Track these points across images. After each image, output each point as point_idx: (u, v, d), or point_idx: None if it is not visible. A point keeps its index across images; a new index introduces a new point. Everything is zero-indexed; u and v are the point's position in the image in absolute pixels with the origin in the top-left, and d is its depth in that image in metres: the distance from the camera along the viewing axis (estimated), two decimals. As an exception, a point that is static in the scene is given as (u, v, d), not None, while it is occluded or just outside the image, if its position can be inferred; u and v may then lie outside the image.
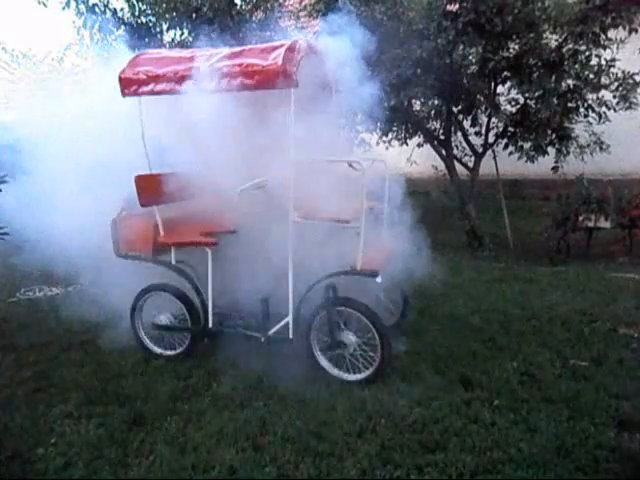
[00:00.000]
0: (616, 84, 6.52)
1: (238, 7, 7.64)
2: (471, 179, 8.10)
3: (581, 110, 6.87)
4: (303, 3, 7.90)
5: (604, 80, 6.51)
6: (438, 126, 8.52)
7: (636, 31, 6.21)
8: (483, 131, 7.88)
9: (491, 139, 7.78)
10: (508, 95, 7.43)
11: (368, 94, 3.54)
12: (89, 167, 3.83)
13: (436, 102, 7.46)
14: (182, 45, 7.67)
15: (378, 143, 8.78)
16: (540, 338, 4.06)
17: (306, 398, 3.20)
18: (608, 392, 3.18)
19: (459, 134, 8.38)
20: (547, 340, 4.02)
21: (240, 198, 3.39)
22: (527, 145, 7.11)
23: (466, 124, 8.10)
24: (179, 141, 3.59)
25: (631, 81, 6.45)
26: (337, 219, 3.32)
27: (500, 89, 7.42)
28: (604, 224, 6.62)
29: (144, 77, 3.49)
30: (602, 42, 6.38)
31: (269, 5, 7.46)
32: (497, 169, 7.99)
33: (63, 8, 7.63)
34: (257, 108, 3.52)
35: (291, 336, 3.51)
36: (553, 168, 7.25)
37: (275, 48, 3.16)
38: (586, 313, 4.57)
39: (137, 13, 7.88)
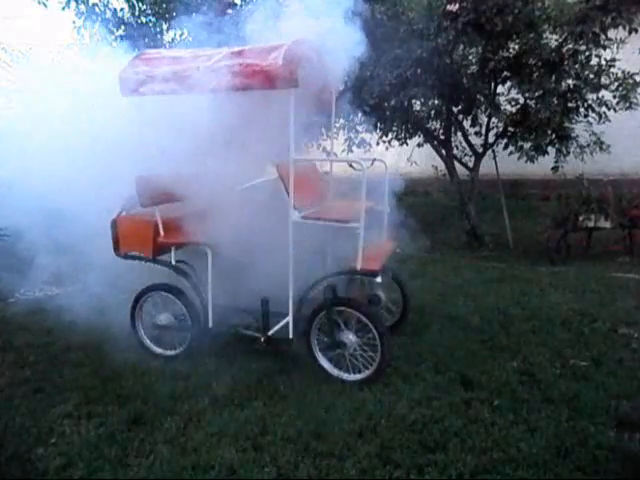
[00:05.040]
0: (616, 84, 6.53)
1: (238, 7, 7.65)
2: (471, 179, 8.11)
3: (581, 110, 6.87)
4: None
5: (604, 80, 6.52)
6: (438, 126, 8.53)
7: (636, 31, 6.22)
8: (483, 131, 7.89)
9: (491, 139, 7.79)
10: (508, 95, 7.44)
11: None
12: (89, 168, 3.83)
13: (436, 102, 7.46)
14: (182, 45, 7.67)
15: (378, 143, 8.79)
16: (540, 338, 4.06)
17: (306, 398, 3.20)
18: (608, 392, 3.18)
19: (459, 134, 8.39)
20: (547, 340, 4.02)
21: (239, 198, 3.40)
22: (527, 145, 7.12)
23: (466, 124, 8.11)
24: (178, 141, 3.59)
25: (631, 81, 6.46)
26: (337, 219, 3.32)
27: (500, 89, 7.43)
28: (604, 224, 6.62)
29: (144, 77, 3.48)
30: (602, 42, 6.38)
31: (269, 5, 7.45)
32: (497, 169, 8.00)
33: (63, 8, 7.64)
34: (255, 108, 3.52)
35: (291, 336, 3.51)
36: (553, 168, 7.25)
37: (275, 48, 3.16)
38: (586, 313, 4.57)
39: (137, 13, 7.89)
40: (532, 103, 6.88)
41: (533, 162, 7.04)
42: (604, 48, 6.47)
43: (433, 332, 4.20)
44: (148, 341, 3.94)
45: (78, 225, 3.91)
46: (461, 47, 6.92)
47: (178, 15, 6.98)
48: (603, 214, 6.58)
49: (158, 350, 3.90)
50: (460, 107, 7.66)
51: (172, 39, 8.06)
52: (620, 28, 6.26)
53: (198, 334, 3.76)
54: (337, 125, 8.01)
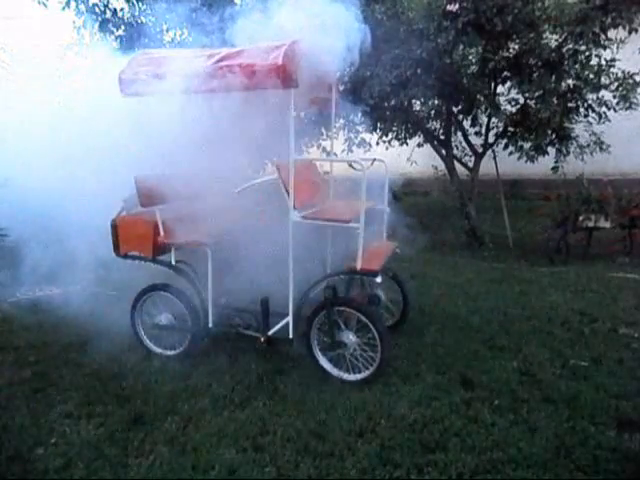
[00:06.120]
0: (616, 84, 6.52)
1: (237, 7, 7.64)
2: (471, 179, 8.11)
3: (581, 110, 6.87)
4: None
5: (604, 80, 6.51)
6: (438, 126, 8.53)
7: (636, 31, 6.21)
8: (483, 131, 7.89)
9: (491, 139, 7.79)
10: (508, 95, 7.44)
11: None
12: (89, 167, 3.84)
13: (436, 102, 7.46)
14: (182, 45, 7.67)
15: (378, 143, 8.79)
16: (540, 338, 4.06)
17: (306, 398, 3.21)
18: (608, 392, 3.19)
19: (459, 134, 8.38)
20: (547, 340, 4.02)
21: (238, 198, 3.40)
22: (527, 145, 7.12)
23: (466, 124, 8.11)
24: (178, 141, 3.59)
25: (631, 81, 6.45)
26: (337, 219, 3.32)
27: (500, 89, 7.43)
28: (604, 224, 6.61)
29: (144, 77, 3.48)
30: (602, 42, 6.38)
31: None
32: (497, 169, 8.00)
33: (63, 8, 7.63)
34: (254, 108, 3.52)
35: (291, 336, 3.51)
36: (553, 168, 7.25)
37: (275, 48, 3.16)
38: (586, 313, 4.57)
39: (137, 13, 7.87)
40: (532, 103, 6.87)
41: (533, 162, 7.04)
42: (604, 48, 6.46)
43: (433, 332, 4.20)
44: (148, 341, 3.94)
45: (78, 225, 3.92)
46: (461, 47, 6.91)
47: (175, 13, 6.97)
48: (603, 214, 6.57)
49: (158, 350, 3.91)
50: (460, 107, 7.66)
51: (172, 39, 8.04)
52: (620, 28, 6.25)
53: (198, 334, 3.76)
54: (337, 125, 8.01)
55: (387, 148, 8.81)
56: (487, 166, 7.95)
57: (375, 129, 8.40)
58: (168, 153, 3.64)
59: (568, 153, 7.21)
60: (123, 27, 7.83)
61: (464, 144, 8.56)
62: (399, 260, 3.76)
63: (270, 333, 3.56)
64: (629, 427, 2.82)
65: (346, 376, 3.42)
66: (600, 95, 6.74)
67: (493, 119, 7.60)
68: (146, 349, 3.91)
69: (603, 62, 6.47)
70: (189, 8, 6.76)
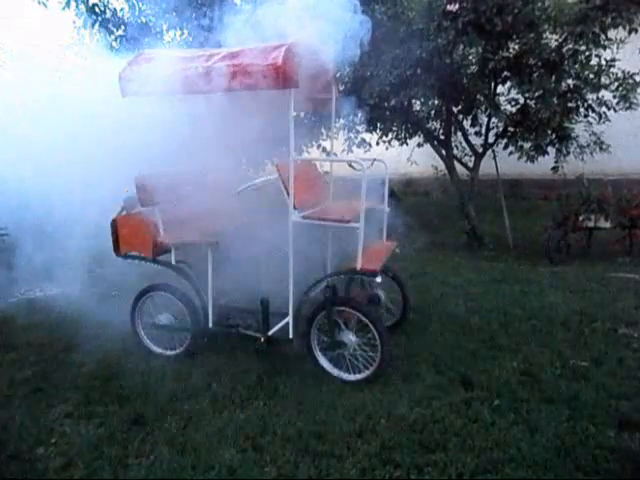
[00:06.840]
0: (616, 84, 6.52)
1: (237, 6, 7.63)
2: (471, 179, 8.11)
3: (581, 110, 6.87)
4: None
5: (604, 80, 6.51)
6: (438, 126, 8.53)
7: (636, 31, 6.21)
8: (483, 131, 7.89)
9: (491, 139, 7.78)
10: (508, 95, 7.43)
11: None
12: (90, 167, 3.84)
13: (436, 102, 7.46)
14: (182, 45, 7.67)
15: (378, 143, 8.79)
16: (540, 338, 4.06)
17: (306, 398, 3.21)
18: (608, 392, 3.19)
19: (459, 134, 8.38)
20: (547, 340, 4.02)
21: (238, 198, 3.40)
22: (527, 145, 7.12)
23: (466, 124, 8.10)
24: (179, 141, 3.59)
25: (631, 81, 6.45)
26: (337, 219, 3.32)
27: (500, 89, 7.42)
28: (604, 224, 6.61)
29: (144, 77, 3.48)
30: (602, 42, 6.37)
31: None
32: (497, 169, 8.00)
33: (63, 8, 7.63)
34: (255, 108, 3.53)
35: (291, 336, 3.52)
36: (553, 168, 7.25)
37: (275, 48, 3.16)
38: (586, 313, 4.57)
39: (137, 13, 7.87)
40: (532, 103, 6.87)
41: (533, 162, 7.04)
42: (604, 48, 6.46)
43: (433, 332, 4.20)
44: (148, 341, 3.95)
45: (78, 224, 3.92)
46: (461, 47, 6.91)
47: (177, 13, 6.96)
48: (603, 214, 6.57)
49: (158, 350, 3.91)
50: (460, 107, 7.66)
51: (172, 39, 8.05)
52: (620, 28, 6.25)
53: (198, 334, 3.76)
54: (337, 125, 8.01)
55: (387, 148, 8.81)
56: (487, 166, 7.95)
57: (375, 129, 8.39)
58: (168, 153, 3.65)
59: (568, 153, 7.21)
60: (123, 27, 7.83)
61: (464, 144, 8.56)
62: (399, 260, 3.75)
63: (270, 333, 3.56)
64: (629, 427, 2.82)
65: (346, 376, 3.42)
66: (600, 95, 6.73)
67: (493, 119, 7.60)
68: (146, 349, 3.91)
69: (603, 62, 6.47)
70: (189, 8, 6.77)
